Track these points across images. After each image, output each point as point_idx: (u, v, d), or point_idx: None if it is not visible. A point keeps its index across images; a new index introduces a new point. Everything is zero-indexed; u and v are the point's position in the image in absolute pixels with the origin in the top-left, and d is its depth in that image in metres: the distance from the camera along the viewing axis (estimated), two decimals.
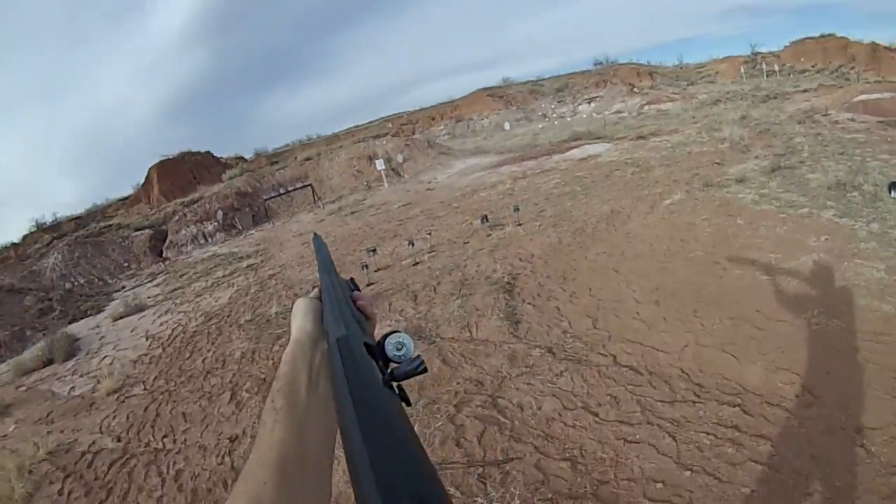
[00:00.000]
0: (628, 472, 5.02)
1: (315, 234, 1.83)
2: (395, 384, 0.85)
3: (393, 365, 0.93)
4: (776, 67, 56.07)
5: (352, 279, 1.43)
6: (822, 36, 58.20)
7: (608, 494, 4.82)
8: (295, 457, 0.88)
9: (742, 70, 59.76)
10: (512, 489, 5.07)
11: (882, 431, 4.84)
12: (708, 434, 5.28)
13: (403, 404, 0.83)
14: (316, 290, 1.30)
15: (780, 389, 5.74)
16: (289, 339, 1.14)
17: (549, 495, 4.94)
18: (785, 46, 61.68)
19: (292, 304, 1.25)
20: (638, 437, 5.48)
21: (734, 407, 5.59)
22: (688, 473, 4.84)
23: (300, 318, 1.17)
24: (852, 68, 50.76)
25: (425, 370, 0.89)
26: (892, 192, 10.00)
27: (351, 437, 0.64)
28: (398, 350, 0.95)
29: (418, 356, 0.90)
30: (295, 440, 0.90)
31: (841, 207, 10.36)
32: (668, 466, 4.98)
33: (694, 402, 5.84)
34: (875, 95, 24.57)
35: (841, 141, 17.18)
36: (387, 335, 0.97)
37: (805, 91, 32.96)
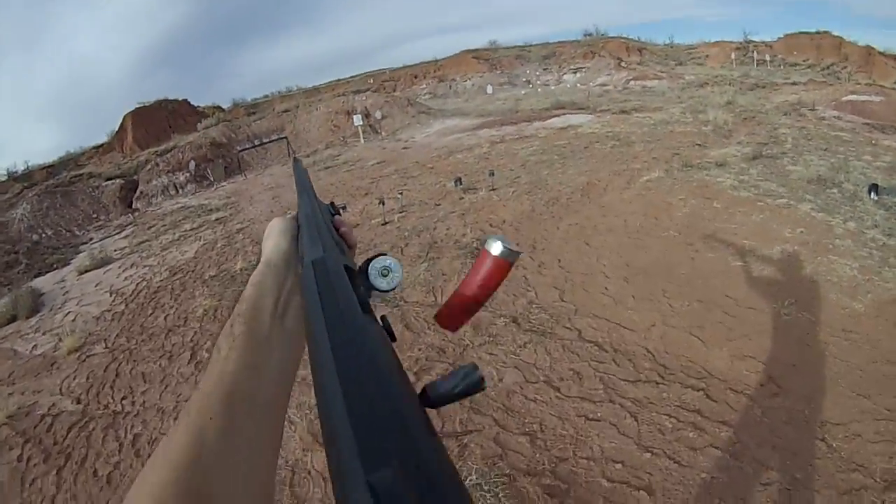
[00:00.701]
0: (588, 451, 4.97)
1: (295, 157, 1.74)
2: (379, 317, 0.73)
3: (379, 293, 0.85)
4: (767, 57, 56.22)
5: (332, 203, 1.34)
6: (818, 32, 58.43)
7: (566, 472, 4.77)
8: (247, 393, 0.80)
9: (733, 56, 59.88)
10: (469, 462, 5.00)
11: (845, 427, 4.85)
12: (670, 417, 5.25)
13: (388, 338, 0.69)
14: (294, 212, 1.19)
15: (745, 377, 5.72)
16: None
17: (507, 470, 4.89)
18: (778, 38, 61.84)
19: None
20: (599, 415, 5.43)
21: (698, 391, 5.56)
22: (648, 455, 4.81)
23: (274, 238, 1.07)
24: (844, 68, 51.05)
25: (482, 387, 0.64)
26: (872, 194, 10.04)
27: (323, 371, 0.52)
28: (384, 276, 0.85)
29: (471, 364, 0.73)
30: (249, 374, 0.82)
31: (819, 202, 10.34)
32: (629, 447, 4.95)
33: (658, 383, 5.81)
34: (864, 97, 24.66)
35: (826, 137, 17.23)
36: (371, 259, 0.86)
37: (794, 84, 33.01)
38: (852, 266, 7.76)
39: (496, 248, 0.85)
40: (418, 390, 0.58)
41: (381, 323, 0.71)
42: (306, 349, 0.65)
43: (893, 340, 6.04)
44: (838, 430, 4.82)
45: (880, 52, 51.96)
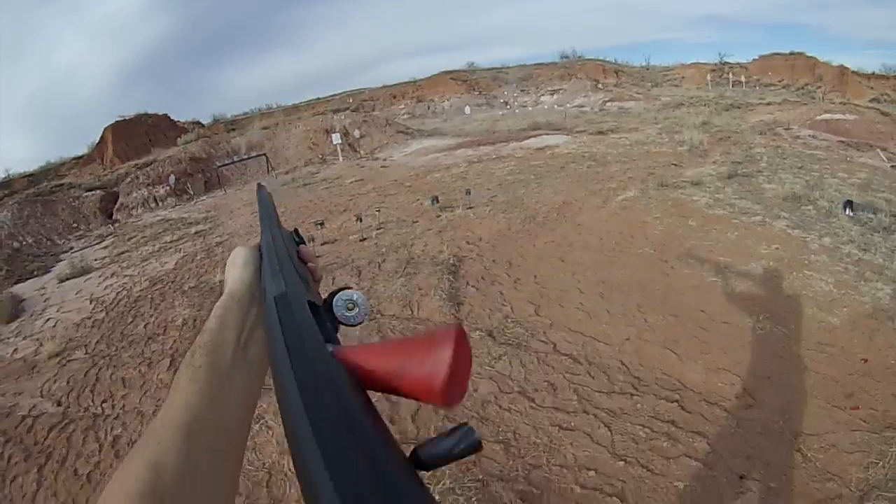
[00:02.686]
0: (561, 459, 4.99)
1: (259, 184, 1.68)
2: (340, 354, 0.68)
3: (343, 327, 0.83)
4: (742, 79, 56.75)
5: (296, 230, 1.29)
6: (792, 53, 59.09)
7: (540, 479, 4.78)
8: (206, 425, 0.79)
9: (708, 77, 60.44)
10: (443, 468, 4.94)
11: (819, 438, 4.88)
12: (644, 427, 5.26)
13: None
14: (257, 241, 1.16)
15: (719, 389, 5.75)
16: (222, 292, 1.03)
17: (481, 476, 4.89)
18: (753, 59, 62.48)
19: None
20: (573, 424, 5.45)
21: (672, 402, 5.58)
22: (621, 464, 4.83)
23: (238, 269, 1.05)
24: (818, 87, 51.60)
25: (479, 448, 0.66)
26: (847, 210, 10.12)
27: (293, 417, 0.52)
28: (349, 310, 0.84)
29: (466, 426, 0.68)
30: (209, 407, 0.81)
31: (794, 219, 10.43)
32: (602, 455, 4.96)
33: (632, 394, 5.83)
34: (838, 116, 24.96)
35: (800, 155, 17.41)
36: (335, 292, 0.86)
37: (769, 104, 33.25)
38: (828, 281, 7.82)
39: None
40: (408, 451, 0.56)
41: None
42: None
43: (869, 353, 6.09)
44: (813, 440, 4.85)
45: (854, 72, 52.60)
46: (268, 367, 0.92)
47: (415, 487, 0.46)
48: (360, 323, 0.85)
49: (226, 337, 0.90)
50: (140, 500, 0.65)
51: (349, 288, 0.87)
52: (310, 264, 1.16)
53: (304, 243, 1.26)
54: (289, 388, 0.55)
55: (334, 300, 0.85)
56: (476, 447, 0.57)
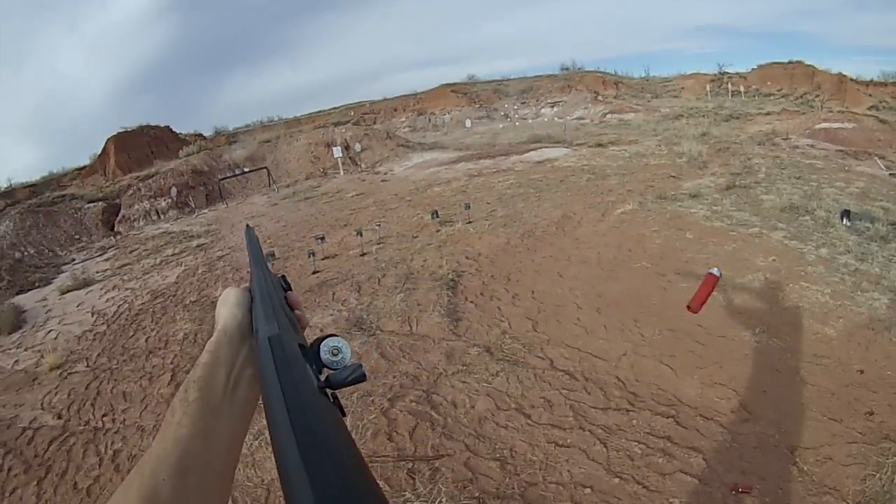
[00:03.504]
0: (557, 476, 4.99)
1: (247, 225, 1.71)
2: (329, 392, 0.77)
3: (328, 371, 0.84)
4: (742, 88, 56.55)
5: (283, 277, 1.30)
6: (790, 62, 58.81)
7: (536, 497, 4.78)
8: (198, 459, 0.82)
9: (708, 88, 60.24)
10: (440, 486, 5.00)
11: (816, 451, 4.89)
12: (639, 443, 5.27)
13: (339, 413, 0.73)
14: (247, 285, 1.19)
15: (715, 404, 5.76)
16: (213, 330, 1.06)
17: (477, 494, 4.88)
18: (752, 69, 62.21)
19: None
20: (569, 441, 5.45)
21: (668, 418, 5.59)
22: (617, 481, 4.83)
23: (229, 309, 1.08)
24: (817, 96, 51.40)
25: (364, 378, 0.80)
26: (844, 220, 10.14)
27: (285, 450, 0.57)
28: (334, 356, 0.86)
29: (358, 364, 0.81)
30: (201, 441, 0.84)
31: (792, 230, 10.45)
32: (598, 472, 4.96)
33: (628, 410, 5.84)
34: (837, 125, 24.93)
35: (798, 165, 17.43)
36: (321, 339, 0.88)
37: (768, 114, 33.19)
38: (824, 292, 7.83)
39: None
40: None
41: (331, 400, 0.74)
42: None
43: (865, 364, 6.09)
44: (809, 453, 4.85)
45: (852, 80, 52.43)
46: (255, 405, 0.97)
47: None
48: (344, 367, 0.84)
49: (217, 373, 0.93)
50: None
51: (335, 335, 0.89)
52: (296, 311, 1.16)
53: (290, 289, 1.25)
54: (283, 429, 0.59)
55: (321, 345, 0.87)
56: (362, 378, 0.78)
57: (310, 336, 0.97)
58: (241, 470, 5.56)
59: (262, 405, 0.74)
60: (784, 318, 7.35)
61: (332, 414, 0.67)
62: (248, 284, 1.18)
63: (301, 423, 0.60)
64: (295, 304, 1.17)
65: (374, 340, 8.31)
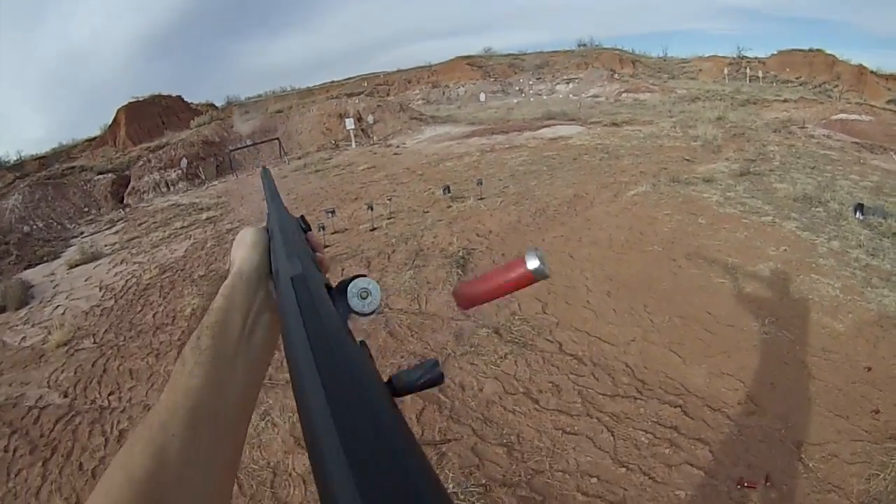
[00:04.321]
0: (564, 464, 4.98)
1: (263, 167, 1.69)
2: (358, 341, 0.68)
3: (356, 316, 0.82)
4: (760, 74, 56.30)
5: (302, 217, 1.27)
6: (811, 50, 58.59)
7: (542, 485, 4.78)
8: (211, 411, 0.79)
9: (726, 71, 59.98)
10: (447, 471, 5.00)
11: (821, 448, 4.87)
12: (646, 432, 5.26)
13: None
14: (263, 225, 1.17)
15: (722, 394, 5.73)
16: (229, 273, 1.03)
17: (483, 480, 4.88)
18: (772, 54, 62.01)
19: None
20: (576, 428, 5.44)
21: (675, 407, 5.57)
22: (623, 470, 4.82)
23: (246, 249, 1.06)
24: (836, 86, 51.23)
25: (441, 380, 0.70)
26: (858, 213, 10.08)
27: (310, 402, 0.50)
28: (363, 298, 0.82)
29: (433, 360, 0.71)
30: (213, 392, 0.81)
31: (804, 221, 10.39)
32: (604, 462, 4.95)
33: (635, 398, 5.82)
34: (854, 116, 24.83)
35: (814, 155, 17.34)
36: (349, 279, 0.84)
37: (785, 101, 32.92)
38: (834, 285, 7.79)
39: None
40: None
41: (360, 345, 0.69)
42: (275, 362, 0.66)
43: (873, 361, 6.07)
44: (815, 450, 4.83)
45: (872, 72, 52.18)
46: (272, 353, 0.98)
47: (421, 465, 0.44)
48: (372, 313, 0.84)
49: (232, 318, 0.91)
50: (144, 484, 0.67)
51: (363, 276, 0.85)
52: (317, 254, 1.11)
53: (310, 230, 1.24)
54: (308, 373, 0.54)
55: (349, 287, 0.83)
56: (438, 380, 0.66)
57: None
58: (246, 451, 5.53)
59: (282, 353, 0.68)
60: (793, 309, 7.31)
61: (362, 354, 0.61)
62: (265, 224, 1.16)
63: (329, 369, 0.54)
64: (316, 246, 1.14)
65: (383, 318, 8.29)
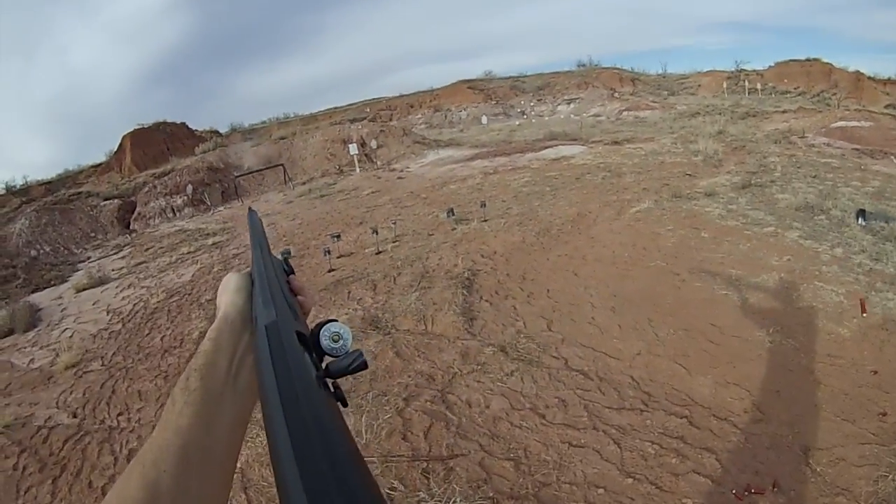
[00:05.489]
0: (571, 476, 5.00)
1: (250, 208, 1.69)
2: (329, 381, 0.78)
3: (328, 359, 0.85)
4: (759, 86, 56.26)
5: (286, 259, 1.30)
6: (808, 59, 58.54)
7: (549, 497, 4.79)
8: (200, 449, 0.83)
9: (725, 85, 59.92)
10: (454, 485, 5.01)
11: (829, 452, 4.89)
12: (653, 443, 5.28)
13: (339, 405, 0.75)
14: (249, 269, 1.19)
15: (728, 404, 5.76)
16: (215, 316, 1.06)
17: (491, 494, 4.90)
18: (769, 66, 61.96)
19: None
20: (583, 441, 5.46)
21: (681, 418, 5.60)
22: (630, 481, 4.84)
23: (231, 294, 1.09)
24: (834, 94, 51.11)
25: (365, 366, 0.81)
26: (859, 219, 10.11)
27: (278, 445, 0.56)
28: (335, 342, 0.86)
29: (358, 350, 0.82)
30: (202, 430, 0.85)
31: (807, 229, 10.42)
32: (611, 473, 4.97)
33: (641, 410, 5.84)
34: (853, 123, 24.82)
35: (814, 164, 17.35)
36: (321, 324, 0.89)
37: (785, 112, 32.97)
38: (838, 292, 7.82)
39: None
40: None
41: (332, 390, 0.76)
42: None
43: (878, 364, 6.09)
44: (822, 454, 4.86)
45: (869, 77, 52.18)
46: (256, 396, 1.01)
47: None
48: (344, 354, 0.85)
49: (218, 361, 0.94)
50: None
51: (335, 320, 0.90)
52: (299, 297, 1.17)
53: (293, 273, 1.27)
54: (276, 419, 0.58)
55: (321, 331, 0.88)
56: (363, 366, 0.80)
57: (314, 322, 0.96)
58: (255, 469, 5.59)
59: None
60: (798, 317, 7.34)
61: (329, 406, 0.67)
62: (249, 269, 1.19)
63: (295, 414, 0.59)
64: (297, 289, 1.18)
65: (390, 339, 8.33)
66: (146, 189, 31.47)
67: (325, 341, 0.86)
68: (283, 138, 39.95)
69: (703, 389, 6.05)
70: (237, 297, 1.08)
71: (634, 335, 7.48)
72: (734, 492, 4.53)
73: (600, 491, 4.76)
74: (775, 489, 4.51)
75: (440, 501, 4.79)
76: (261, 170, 33.36)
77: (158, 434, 0.83)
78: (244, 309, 1.05)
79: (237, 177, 32.51)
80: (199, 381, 0.90)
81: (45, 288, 18.11)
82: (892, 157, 18.53)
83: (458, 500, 4.80)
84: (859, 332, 6.79)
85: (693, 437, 5.28)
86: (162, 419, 0.86)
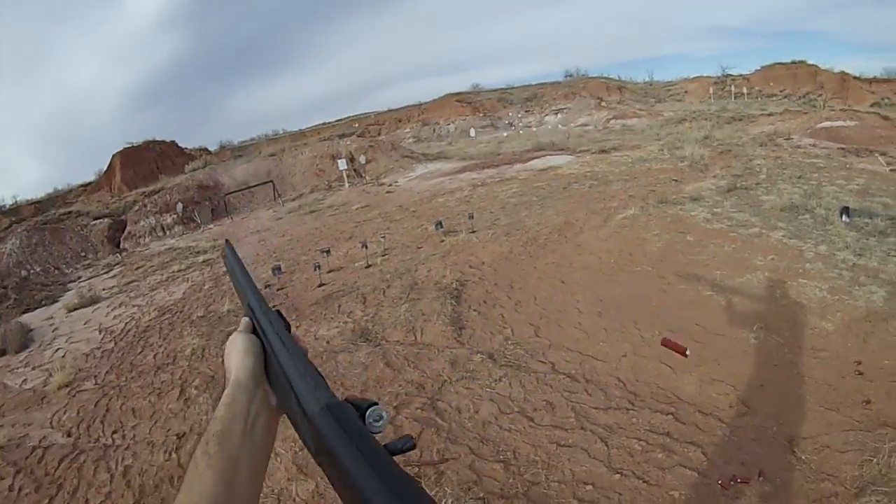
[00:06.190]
0: (559, 475, 5.07)
1: (226, 241, 1.73)
2: None
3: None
4: (745, 90, 56.56)
5: (278, 311, 1.28)
6: (793, 62, 58.88)
7: (539, 495, 4.86)
8: None
9: (711, 91, 60.31)
10: (446, 488, 5.09)
11: (813, 440, 4.96)
12: (639, 440, 5.34)
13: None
14: (245, 321, 1.24)
15: (713, 400, 5.83)
16: (226, 377, 1.11)
17: (482, 495, 4.97)
18: (755, 70, 62.29)
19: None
20: (571, 441, 5.53)
21: (667, 415, 5.66)
22: (617, 476, 4.91)
23: (240, 357, 1.12)
24: (820, 95, 51.44)
25: (413, 448, 0.87)
26: (844, 217, 10.17)
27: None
28: (376, 421, 0.91)
29: (409, 435, 0.88)
30: (224, 489, 0.90)
31: (791, 229, 10.48)
32: (599, 470, 5.04)
33: (628, 409, 5.91)
34: (838, 123, 24.99)
35: (800, 165, 17.41)
36: (368, 406, 0.93)
37: (770, 115, 33.10)
38: (822, 288, 7.87)
39: None
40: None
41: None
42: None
43: (863, 355, 6.15)
44: (807, 443, 4.93)
45: (855, 77, 52.51)
46: (271, 445, 1.09)
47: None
48: (403, 438, 0.90)
49: (235, 425, 0.99)
50: None
51: (377, 403, 0.92)
52: (299, 345, 1.14)
53: (289, 326, 1.23)
54: (368, 484, 0.67)
55: (367, 412, 0.91)
56: (412, 449, 0.86)
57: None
58: None
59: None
60: (782, 314, 7.40)
61: (412, 479, 0.72)
62: (247, 323, 1.22)
63: (396, 490, 0.66)
64: (296, 341, 1.16)
65: (380, 350, 8.39)
66: (136, 208, 31.45)
67: (369, 420, 0.91)
68: (272, 155, 39.99)
69: (688, 387, 6.11)
70: (247, 360, 1.11)
71: (620, 338, 7.55)
72: (720, 482, 4.60)
73: (588, 488, 4.82)
74: (761, 478, 4.57)
75: None
76: (250, 187, 33.33)
77: (184, 497, 0.89)
78: (255, 371, 1.09)
79: (227, 194, 32.52)
80: (218, 445, 0.95)
81: (36, 308, 18.05)
82: (877, 154, 18.63)
83: (449, 501, 4.86)
84: (843, 325, 6.84)
85: (679, 433, 5.35)
86: (185, 482, 0.91)
